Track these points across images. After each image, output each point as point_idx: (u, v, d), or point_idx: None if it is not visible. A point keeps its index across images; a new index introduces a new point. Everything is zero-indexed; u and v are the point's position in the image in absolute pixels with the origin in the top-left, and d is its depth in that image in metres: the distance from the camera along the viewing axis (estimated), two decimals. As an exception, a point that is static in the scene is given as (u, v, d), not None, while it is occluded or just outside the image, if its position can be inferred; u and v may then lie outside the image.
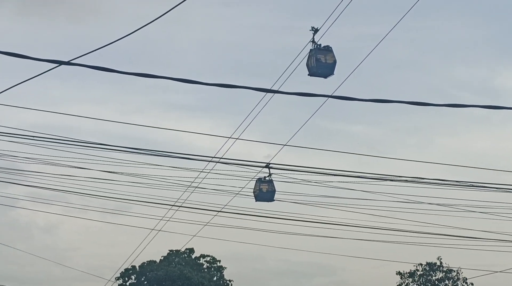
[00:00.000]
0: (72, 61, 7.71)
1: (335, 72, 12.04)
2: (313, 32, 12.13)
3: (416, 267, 43.60)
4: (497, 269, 37.07)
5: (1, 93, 8.94)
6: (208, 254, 41.69)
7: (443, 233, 22.68)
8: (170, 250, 41.07)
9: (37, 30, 63.72)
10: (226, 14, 67.86)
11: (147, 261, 40.02)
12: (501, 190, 18.50)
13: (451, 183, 17.63)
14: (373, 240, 26.23)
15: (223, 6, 65.40)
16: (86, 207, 25.62)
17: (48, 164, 18.07)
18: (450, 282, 43.31)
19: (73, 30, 64.76)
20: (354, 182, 18.60)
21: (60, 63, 7.76)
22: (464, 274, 42.60)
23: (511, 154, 60.43)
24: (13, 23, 63.32)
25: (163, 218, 20.97)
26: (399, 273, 43.82)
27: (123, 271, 39.29)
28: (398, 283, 43.71)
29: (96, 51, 7.78)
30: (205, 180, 18.11)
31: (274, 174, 17.04)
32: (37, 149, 16.94)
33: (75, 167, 18.14)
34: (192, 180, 18.25)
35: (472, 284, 42.52)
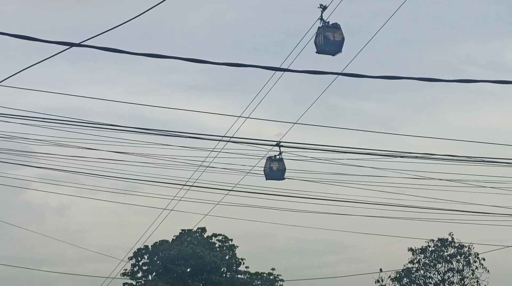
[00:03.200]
0: (82, 43, 7.72)
1: (343, 49, 12.03)
2: (321, 9, 12.10)
3: (428, 243, 43.44)
4: (509, 243, 37.01)
5: (13, 76, 8.99)
6: (219, 233, 41.71)
7: (454, 209, 22.65)
8: (182, 230, 41.09)
9: (46, 13, 63.53)
10: (235, -4, 67.47)
11: (159, 241, 40.06)
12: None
13: (462, 158, 17.57)
14: (384, 217, 26.15)
15: (231, -16, 65.09)
16: (97, 188, 25.63)
17: (59, 145, 18.13)
18: (462, 257, 43.19)
19: (82, 12, 64.57)
20: (364, 159, 18.62)
21: (71, 45, 7.78)
22: (476, 249, 42.51)
23: (520, 131, 60.15)
24: (22, 6, 63.19)
25: (175, 198, 20.98)
26: (410, 249, 43.68)
27: (136, 251, 39.38)
28: (410, 259, 43.55)
29: (106, 32, 7.79)
30: (215, 160, 18.11)
31: (285, 152, 17.02)
32: (48, 131, 17.00)
33: (86, 148, 18.15)
34: (202, 159, 18.25)
35: (484, 259, 42.42)
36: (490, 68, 66.32)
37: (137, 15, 7.79)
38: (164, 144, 18.47)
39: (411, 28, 66.59)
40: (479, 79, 9.35)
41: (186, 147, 18.22)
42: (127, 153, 18.71)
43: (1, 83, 8.93)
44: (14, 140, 17.10)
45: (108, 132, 16.92)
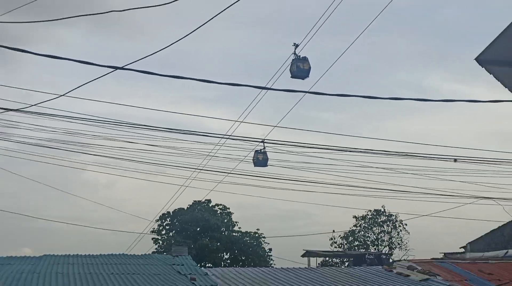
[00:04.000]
0: (125, 67, 7.66)
1: (310, 75, 11.98)
2: (295, 46, 12.06)
3: (367, 212, 43.56)
4: (423, 213, 37.25)
5: (75, 89, 8.94)
6: (220, 203, 41.65)
7: (386, 188, 22.79)
8: (194, 201, 40.87)
9: (101, 44, 63.35)
10: (235, 35, 67.67)
11: (177, 208, 39.85)
12: (427, 158, 18.58)
13: (392, 153, 17.68)
14: (337, 193, 26.38)
15: (234, 29, 65.15)
16: (135, 170, 25.72)
17: (108, 139, 18.07)
18: (390, 223, 43.39)
19: (125, 44, 64.44)
20: (324, 152, 18.74)
21: (117, 68, 7.72)
22: (401, 217, 42.70)
23: (434, 134, 60.86)
24: (83, 39, 62.95)
25: (189, 178, 21.09)
26: (355, 216, 43.78)
27: (161, 215, 39.21)
28: (354, 224, 43.73)
29: (143, 59, 7.75)
30: (219, 151, 18.19)
31: (268, 146, 17.01)
32: (101, 129, 16.99)
33: (127, 142, 18.14)
34: (209, 150, 18.37)
35: (406, 224, 42.62)
36: (413, 90, 66.85)
37: (165, 46, 7.74)
38: (182, 140, 18.54)
39: (359, 60, 66.97)
40: (406, 97, 9.36)
41: (198, 141, 18.33)
42: (156, 145, 18.75)
43: (68, 94, 8.86)
44: (76, 135, 17.00)
45: (144, 130, 16.96)
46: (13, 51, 6.96)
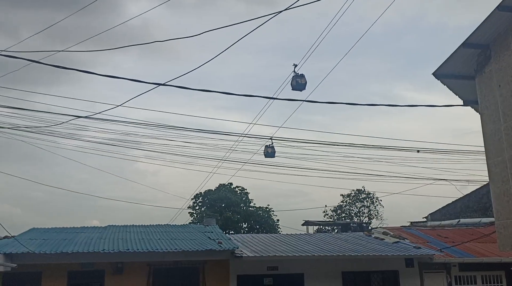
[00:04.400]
0: (166, 83, 7.69)
1: (306, 88, 11.95)
2: (294, 66, 12.02)
3: (351, 191, 43.39)
4: (394, 192, 37.17)
5: (130, 101, 9.02)
6: (240, 185, 41.71)
7: (365, 173, 22.79)
8: (219, 184, 41.00)
9: (147, 66, 63.61)
10: (248, 59, 67.46)
11: (207, 190, 40.00)
12: (396, 150, 18.47)
13: (370, 146, 17.56)
14: (330, 177, 26.44)
15: (246, 54, 65.18)
16: (174, 160, 25.99)
17: (154, 138, 18.18)
18: (369, 199, 43.21)
19: (166, 66, 64.66)
20: (317, 146, 18.78)
21: (159, 84, 7.75)
22: (377, 195, 42.55)
23: (401, 131, 60.41)
24: (135, 63, 63.22)
25: (215, 167, 21.28)
26: (342, 195, 43.67)
27: (195, 195, 39.38)
28: (341, 200, 43.60)
29: (179, 77, 7.77)
30: (238, 146, 18.26)
31: (275, 142, 16.98)
32: (148, 130, 17.23)
33: (168, 139, 18.23)
34: (230, 146, 18.47)
35: (381, 200, 42.47)
36: (384, 97, 66.20)
37: (195, 67, 7.73)
38: (209, 138, 18.70)
39: (343, 76, 66.52)
40: (379, 104, 9.35)
41: (221, 139, 18.58)
42: (191, 142, 18.85)
43: (123, 105, 8.90)
44: (130, 135, 17.12)
45: (180, 131, 17.21)
46: (81, 72, 7.02)
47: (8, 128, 12.05)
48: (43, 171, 54.95)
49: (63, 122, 11.25)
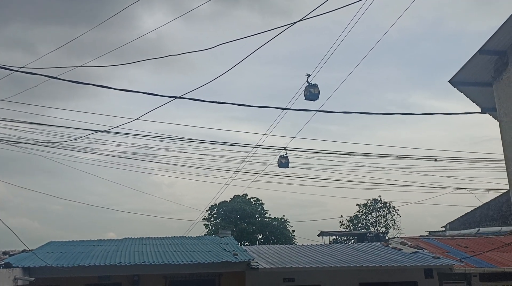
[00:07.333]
0: (182, 96, 7.73)
1: (319, 97, 11.91)
2: (307, 76, 12.01)
3: (367, 201, 43.00)
4: (410, 202, 36.63)
5: (146, 114, 9.09)
6: (255, 196, 41.57)
7: (381, 182, 22.52)
8: (234, 195, 40.91)
9: (162, 79, 64.28)
10: (261, 70, 67.82)
11: (222, 201, 39.96)
12: (413, 158, 18.25)
13: (385, 155, 17.41)
14: (345, 187, 26.19)
15: (260, 65, 65.59)
16: (188, 173, 26.02)
17: (169, 150, 18.33)
18: (386, 209, 42.73)
19: (181, 78, 65.30)
20: (332, 156, 18.68)
21: (175, 97, 7.79)
22: (393, 204, 42.08)
23: (418, 140, 59.83)
24: (150, 76, 64.02)
25: (230, 178, 21.18)
26: (358, 204, 43.26)
27: (210, 206, 39.31)
28: (357, 210, 43.19)
29: (194, 90, 7.81)
30: (252, 157, 18.29)
31: (289, 153, 16.92)
32: (164, 143, 17.34)
33: (183, 152, 18.31)
34: (245, 157, 18.48)
35: (398, 209, 41.98)
36: (400, 106, 65.81)
37: (211, 80, 7.77)
38: (224, 149, 18.69)
39: (358, 85, 66.31)
40: (395, 112, 9.26)
41: (236, 150, 18.51)
42: (205, 154, 18.82)
43: (140, 118, 8.98)
44: (146, 148, 17.24)
45: (195, 143, 17.23)
46: (98, 87, 7.10)
47: (29, 143, 12.23)
48: (62, 185, 55.63)
49: (81, 137, 11.38)
